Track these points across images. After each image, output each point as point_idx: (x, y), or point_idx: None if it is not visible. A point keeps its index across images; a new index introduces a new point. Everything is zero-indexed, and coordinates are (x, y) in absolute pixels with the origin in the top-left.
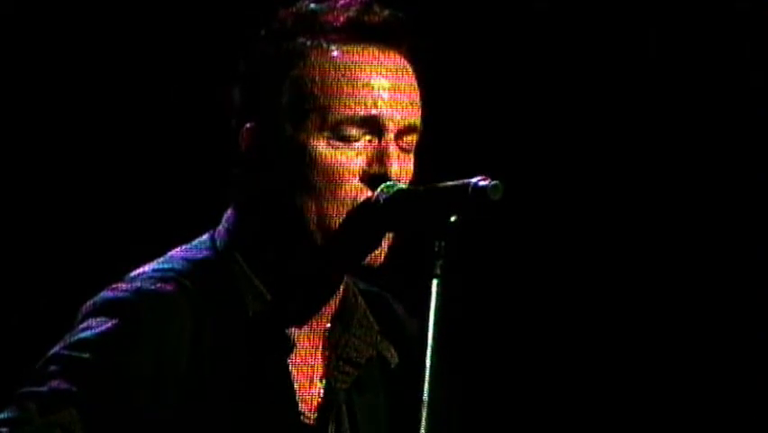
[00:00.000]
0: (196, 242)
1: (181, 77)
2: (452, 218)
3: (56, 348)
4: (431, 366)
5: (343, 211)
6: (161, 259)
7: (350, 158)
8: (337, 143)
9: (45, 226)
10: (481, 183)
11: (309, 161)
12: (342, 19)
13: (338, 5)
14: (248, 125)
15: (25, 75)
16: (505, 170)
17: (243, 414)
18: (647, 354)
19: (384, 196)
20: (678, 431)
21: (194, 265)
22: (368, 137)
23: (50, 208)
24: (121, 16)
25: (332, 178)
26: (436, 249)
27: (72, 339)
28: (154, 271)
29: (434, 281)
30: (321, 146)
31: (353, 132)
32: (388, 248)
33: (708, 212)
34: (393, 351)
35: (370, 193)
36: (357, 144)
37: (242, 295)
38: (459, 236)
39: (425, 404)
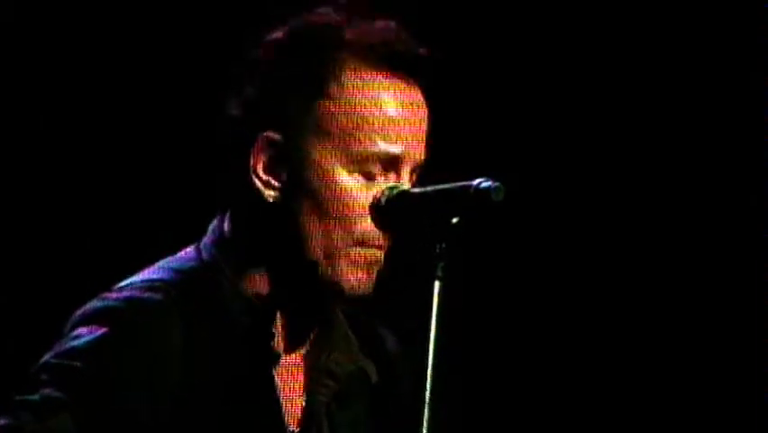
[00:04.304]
0: (181, 253)
1: (177, 88)
2: (454, 220)
3: (46, 357)
4: (432, 368)
5: (350, 246)
6: (148, 269)
7: (368, 195)
8: (360, 178)
9: (33, 236)
10: (484, 185)
11: (329, 190)
12: (377, 42)
13: (374, 27)
14: (268, 134)
15: (22, 79)
16: (507, 171)
17: (232, 425)
18: (648, 354)
19: (386, 197)
20: (677, 431)
21: (181, 275)
22: (385, 173)
23: (42, 217)
24: (122, 17)
25: (349, 212)
26: (438, 251)
27: (63, 348)
28: (143, 281)
29: (436, 284)
30: (344, 179)
31: (376, 169)
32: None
33: (709, 213)
34: (374, 368)
35: None
36: (376, 181)
37: (228, 305)
38: (461, 238)
39: (427, 405)
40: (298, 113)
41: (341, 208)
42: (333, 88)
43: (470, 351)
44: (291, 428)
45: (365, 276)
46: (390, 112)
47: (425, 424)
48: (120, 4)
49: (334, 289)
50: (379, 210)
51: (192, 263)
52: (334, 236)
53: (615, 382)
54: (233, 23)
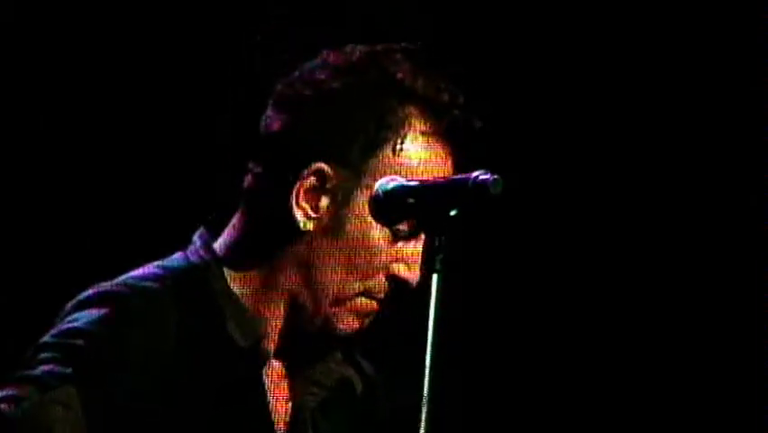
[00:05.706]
0: (168, 258)
1: (177, 91)
2: (452, 213)
3: (44, 338)
4: (431, 363)
5: (358, 295)
6: (137, 270)
7: (389, 251)
8: (389, 234)
9: (33, 236)
10: (482, 177)
11: (357, 240)
12: (443, 106)
13: (440, 84)
14: (321, 165)
15: (22, 79)
16: (505, 164)
17: (221, 422)
18: (648, 354)
19: (383, 190)
20: (677, 431)
21: (172, 272)
22: (410, 236)
23: (41, 217)
24: (123, 17)
25: (369, 267)
26: (436, 244)
27: (62, 328)
28: (135, 274)
29: (434, 276)
30: (375, 234)
31: (406, 228)
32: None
33: (708, 212)
34: (358, 378)
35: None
36: (400, 240)
37: (218, 303)
38: (459, 231)
39: (426, 403)
40: (358, 156)
41: (363, 262)
42: (396, 141)
43: (469, 345)
44: (279, 432)
45: (358, 324)
46: (437, 178)
47: (423, 422)
48: (126, 4)
49: (326, 327)
50: (378, 203)
51: (182, 264)
52: (348, 287)
53: (615, 379)
54: (233, 23)
